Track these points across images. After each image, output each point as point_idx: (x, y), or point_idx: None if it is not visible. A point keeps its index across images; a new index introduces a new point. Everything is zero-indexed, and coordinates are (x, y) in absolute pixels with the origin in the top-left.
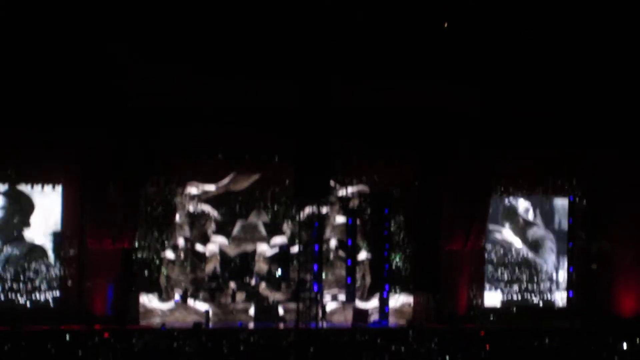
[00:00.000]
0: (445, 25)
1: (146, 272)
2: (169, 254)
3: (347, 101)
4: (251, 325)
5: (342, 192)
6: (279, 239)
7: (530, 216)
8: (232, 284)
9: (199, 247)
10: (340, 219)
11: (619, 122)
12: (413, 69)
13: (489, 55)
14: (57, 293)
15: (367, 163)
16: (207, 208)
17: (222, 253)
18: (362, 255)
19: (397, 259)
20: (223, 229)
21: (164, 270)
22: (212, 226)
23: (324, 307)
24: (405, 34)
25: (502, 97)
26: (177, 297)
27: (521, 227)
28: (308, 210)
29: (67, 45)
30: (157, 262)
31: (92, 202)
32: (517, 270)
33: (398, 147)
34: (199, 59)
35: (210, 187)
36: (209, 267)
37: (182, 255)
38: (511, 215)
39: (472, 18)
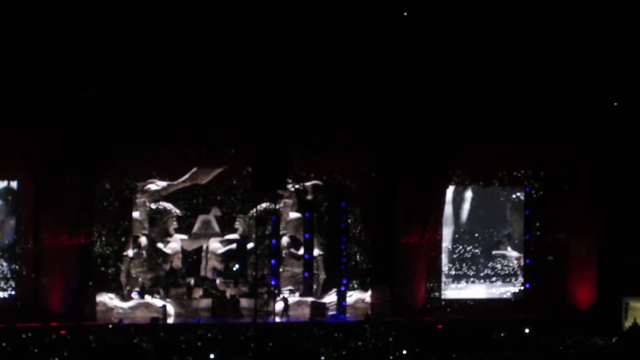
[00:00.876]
0: (404, 14)
1: (103, 268)
2: (128, 250)
3: (305, 93)
4: (209, 320)
5: (298, 186)
6: (235, 234)
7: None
8: (190, 280)
9: (159, 244)
10: (293, 215)
11: (575, 113)
12: (371, 60)
13: (447, 47)
14: (12, 290)
15: (324, 155)
16: (168, 205)
17: (183, 249)
18: (315, 252)
19: (355, 250)
20: (184, 225)
21: (122, 267)
22: (173, 223)
23: (286, 302)
24: (364, 25)
25: (459, 90)
26: (134, 293)
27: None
28: (264, 204)
29: (21, 38)
30: (115, 258)
31: (47, 198)
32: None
33: (354, 140)
34: (157, 49)
35: (167, 182)
36: (168, 264)
37: (142, 252)
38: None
39: (430, 8)
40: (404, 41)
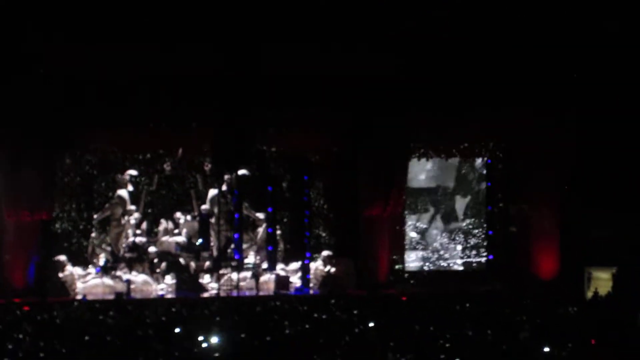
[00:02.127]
0: None
1: (66, 244)
2: (90, 225)
3: (266, 69)
4: (173, 295)
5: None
6: (202, 207)
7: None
8: (153, 254)
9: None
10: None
11: (533, 81)
12: (330, 34)
13: (404, 20)
14: None
15: (286, 131)
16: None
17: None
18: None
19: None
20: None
21: (84, 242)
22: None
23: (257, 276)
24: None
25: (416, 60)
26: (97, 269)
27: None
28: (227, 177)
29: None
30: (77, 233)
31: (7, 174)
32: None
33: (315, 113)
34: (115, 24)
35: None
36: (130, 238)
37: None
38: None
39: None
40: (364, 17)
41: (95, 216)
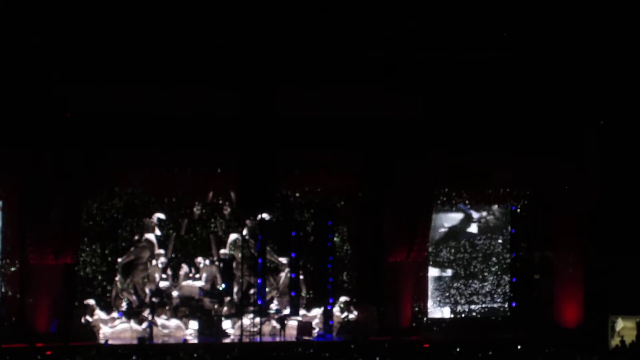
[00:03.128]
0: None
1: (89, 289)
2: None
3: (290, 111)
4: (195, 340)
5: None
6: (222, 251)
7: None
8: (177, 300)
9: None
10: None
11: (559, 130)
12: (354, 78)
13: (429, 64)
14: None
15: (310, 174)
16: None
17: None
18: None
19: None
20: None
21: (108, 286)
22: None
23: (283, 322)
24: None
25: (442, 105)
26: (119, 313)
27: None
28: (248, 222)
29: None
30: (101, 279)
31: (32, 218)
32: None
33: (341, 157)
34: (137, 69)
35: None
36: (153, 283)
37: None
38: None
39: (412, 27)
40: (388, 60)
41: (119, 260)
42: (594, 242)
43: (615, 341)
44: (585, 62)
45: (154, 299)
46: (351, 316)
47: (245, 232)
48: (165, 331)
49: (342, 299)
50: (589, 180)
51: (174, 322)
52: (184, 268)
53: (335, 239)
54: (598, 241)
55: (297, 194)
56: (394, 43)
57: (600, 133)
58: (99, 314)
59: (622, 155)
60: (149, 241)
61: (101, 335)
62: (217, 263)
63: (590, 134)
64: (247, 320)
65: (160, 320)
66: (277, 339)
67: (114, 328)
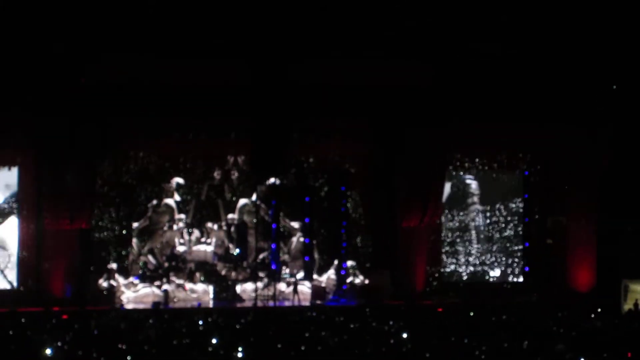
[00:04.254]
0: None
1: (104, 253)
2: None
3: (303, 78)
4: (210, 304)
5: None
6: (229, 216)
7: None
8: (191, 265)
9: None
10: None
11: (572, 95)
12: (370, 44)
13: (441, 30)
14: (14, 275)
15: (324, 140)
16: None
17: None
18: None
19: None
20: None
21: (123, 251)
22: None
23: (295, 286)
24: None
25: (456, 72)
26: (135, 278)
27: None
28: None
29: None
30: (115, 243)
31: (48, 183)
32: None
33: (354, 123)
34: (154, 37)
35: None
36: (167, 248)
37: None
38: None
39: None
40: (399, 28)
41: (135, 224)
42: (606, 206)
43: (628, 305)
44: (595, 29)
45: (168, 264)
46: (363, 280)
47: (254, 197)
48: (194, 295)
49: (350, 263)
50: (600, 145)
51: (200, 287)
52: (195, 233)
53: (348, 204)
54: (610, 206)
55: (311, 160)
56: (406, 13)
57: (613, 98)
58: (119, 278)
59: (634, 120)
60: (168, 206)
61: (124, 300)
62: (224, 228)
63: (603, 99)
64: (261, 285)
65: (189, 284)
66: (291, 304)
67: (135, 292)
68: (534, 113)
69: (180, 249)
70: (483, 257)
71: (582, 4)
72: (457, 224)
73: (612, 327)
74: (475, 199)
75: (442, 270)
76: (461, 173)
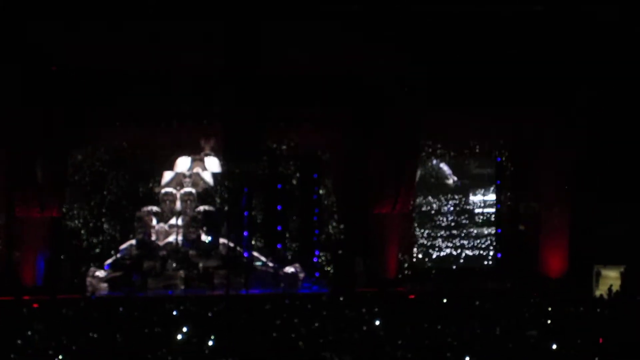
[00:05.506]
0: None
1: (75, 241)
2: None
3: (276, 65)
4: (181, 292)
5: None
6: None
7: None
8: (163, 252)
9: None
10: None
11: (545, 81)
12: (342, 31)
13: (414, 16)
14: None
15: (296, 126)
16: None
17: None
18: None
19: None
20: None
21: (94, 240)
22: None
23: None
24: None
25: (428, 58)
26: (106, 266)
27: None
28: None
29: None
30: (85, 231)
31: (19, 171)
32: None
33: (326, 110)
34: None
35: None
36: (139, 235)
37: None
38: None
39: None
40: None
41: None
42: (578, 192)
43: (600, 291)
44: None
45: (138, 252)
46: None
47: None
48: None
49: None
50: (574, 131)
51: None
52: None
53: (320, 191)
54: (583, 192)
55: (283, 147)
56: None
57: (589, 84)
58: (85, 267)
59: (610, 106)
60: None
61: (91, 288)
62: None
63: (579, 85)
64: (233, 273)
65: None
66: (262, 291)
67: (103, 281)
68: (506, 98)
69: (153, 236)
70: (455, 243)
71: None
72: (429, 209)
73: (583, 313)
74: (450, 181)
75: (414, 257)
76: (433, 159)
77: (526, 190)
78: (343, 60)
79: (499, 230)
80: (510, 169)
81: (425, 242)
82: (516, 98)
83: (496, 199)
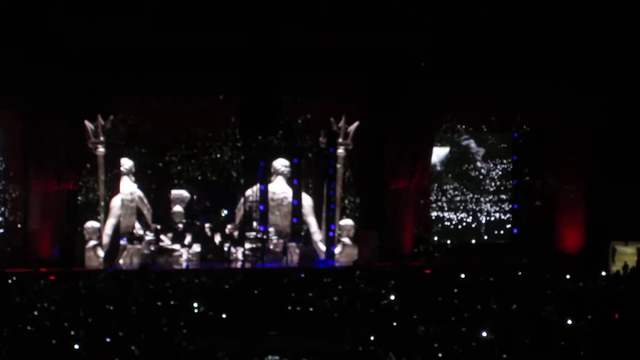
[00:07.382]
0: None
1: (91, 214)
2: (116, 198)
3: (294, 37)
4: (197, 266)
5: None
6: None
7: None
8: (180, 225)
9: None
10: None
11: (563, 57)
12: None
13: None
14: (1, 236)
15: (314, 100)
16: None
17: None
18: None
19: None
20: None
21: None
22: None
23: (285, 246)
24: None
25: (446, 33)
26: (123, 239)
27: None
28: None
29: None
30: (103, 204)
31: (36, 143)
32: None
33: (344, 85)
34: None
35: None
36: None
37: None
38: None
39: None
40: None
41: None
42: (595, 168)
43: (616, 267)
44: None
45: (155, 225)
46: (352, 242)
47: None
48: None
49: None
50: (592, 108)
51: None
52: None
53: (337, 165)
54: (599, 167)
55: (300, 121)
56: None
57: (606, 62)
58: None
59: (626, 83)
60: None
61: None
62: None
63: (595, 63)
64: (249, 246)
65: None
66: (278, 265)
67: (123, 253)
68: (524, 75)
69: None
70: (471, 218)
71: None
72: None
73: (600, 289)
74: (479, 156)
75: (431, 231)
76: (455, 136)
77: (543, 166)
78: (362, 34)
79: (515, 206)
80: (527, 144)
81: (440, 214)
82: (534, 74)
83: (512, 175)
